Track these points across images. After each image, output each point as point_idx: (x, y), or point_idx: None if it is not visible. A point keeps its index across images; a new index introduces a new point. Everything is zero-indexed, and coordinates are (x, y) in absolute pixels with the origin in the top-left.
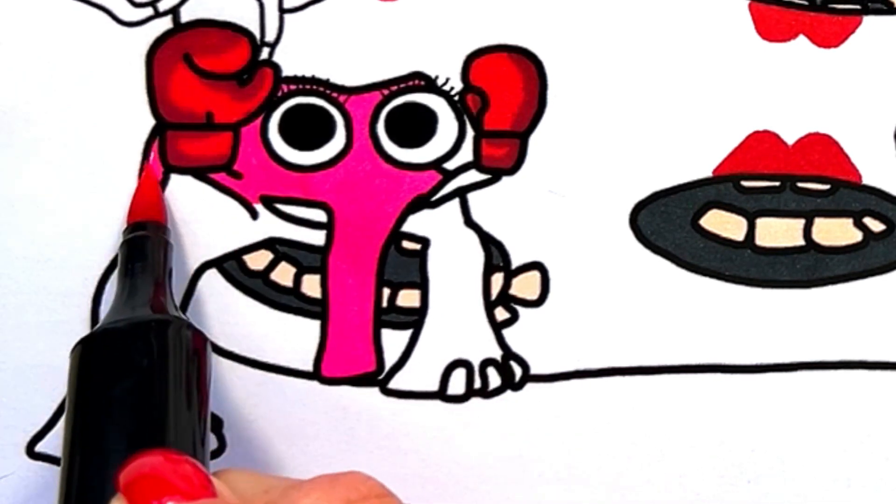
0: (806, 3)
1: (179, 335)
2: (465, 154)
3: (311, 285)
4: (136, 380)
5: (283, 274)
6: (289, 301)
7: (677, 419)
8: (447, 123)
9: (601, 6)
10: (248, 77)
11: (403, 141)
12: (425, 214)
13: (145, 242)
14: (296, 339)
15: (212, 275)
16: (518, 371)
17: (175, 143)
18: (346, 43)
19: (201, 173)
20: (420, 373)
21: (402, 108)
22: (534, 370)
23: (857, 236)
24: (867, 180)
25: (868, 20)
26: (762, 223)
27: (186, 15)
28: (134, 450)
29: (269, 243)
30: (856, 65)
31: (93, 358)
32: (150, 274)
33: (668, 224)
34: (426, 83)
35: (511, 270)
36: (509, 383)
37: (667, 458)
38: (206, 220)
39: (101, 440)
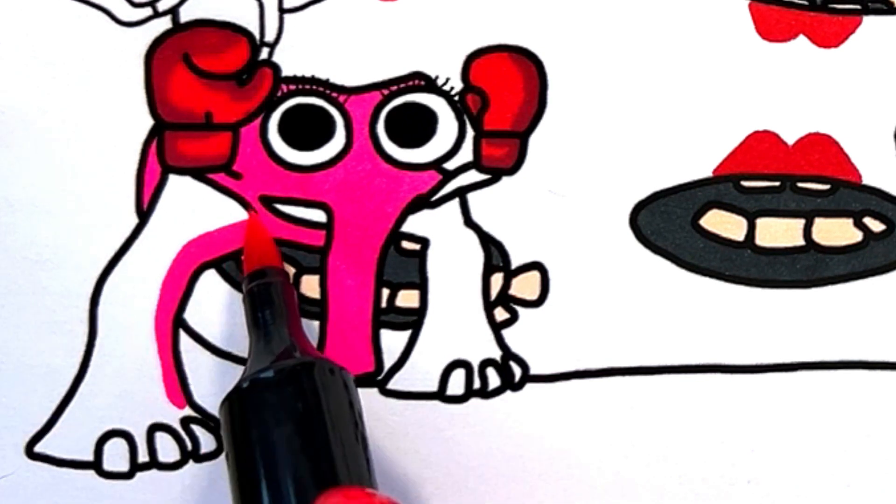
0: (806, 3)
1: (325, 374)
2: (465, 154)
3: (311, 285)
4: (293, 425)
5: None
6: None
7: (677, 419)
8: (447, 123)
9: (601, 6)
10: (248, 77)
11: (403, 141)
12: (425, 214)
13: (270, 289)
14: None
15: (211, 275)
16: (518, 371)
17: (174, 144)
18: (346, 43)
19: (200, 173)
20: (419, 373)
21: (402, 108)
22: (533, 370)
23: (857, 236)
24: (867, 180)
25: (868, 20)
26: (762, 223)
27: (185, 15)
28: (307, 491)
29: None
30: (856, 65)
31: (246, 409)
32: (280, 318)
33: (668, 224)
34: (426, 83)
35: (511, 270)
36: (509, 383)
37: (667, 458)
38: (205, 220)
39: (274, 487)
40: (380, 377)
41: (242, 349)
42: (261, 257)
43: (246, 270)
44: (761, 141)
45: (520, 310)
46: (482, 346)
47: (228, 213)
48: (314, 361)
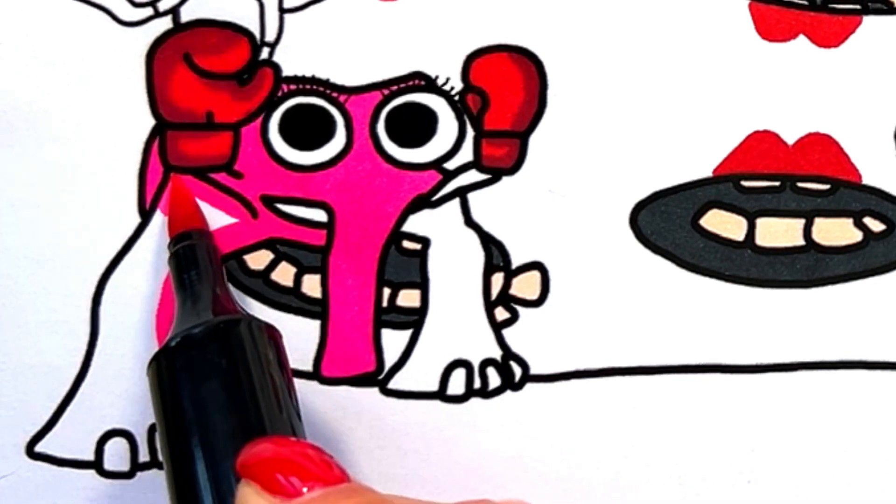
0: (806, 3)
1: (251, 331)
2: (466, 154)
3: (312, 285)
4: (221, 380)
5: (284, 274)
6: (289, 301)
7: (677, 419)
8: (447, 123)
9: (601, 6)
10: (249, 77)
11: (403, 141)
12: (425, 214)
13: (194, 251)
14: (296, 338)
15: None
16: (518, 371)
17: (175, 143)
18: (347, 43)
19: (202, 173)
20: (420, 373)
21: (403, 108)
22: (534, 370)
23: (857, 236)
24: (867, 180)
25: (868, 20)
26: (762, 223)
27: (186, 15)
28: (238, 445)
29: (270, 243)
30: (856, 65)
31: (175, 367)
32: (206, 280)
33: (668, 224)
34: (426, 83)
35: (511, 270)
36: (509, 383)
37: (667, 458)
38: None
39: (204, 441)
40: (381, 377)
41: None
42: (185, 219)
43: (171, 233)
44: (761, 141)
45: (520, 309)
46: (483, 346)
47: (229, 212)
48: (239, 318)
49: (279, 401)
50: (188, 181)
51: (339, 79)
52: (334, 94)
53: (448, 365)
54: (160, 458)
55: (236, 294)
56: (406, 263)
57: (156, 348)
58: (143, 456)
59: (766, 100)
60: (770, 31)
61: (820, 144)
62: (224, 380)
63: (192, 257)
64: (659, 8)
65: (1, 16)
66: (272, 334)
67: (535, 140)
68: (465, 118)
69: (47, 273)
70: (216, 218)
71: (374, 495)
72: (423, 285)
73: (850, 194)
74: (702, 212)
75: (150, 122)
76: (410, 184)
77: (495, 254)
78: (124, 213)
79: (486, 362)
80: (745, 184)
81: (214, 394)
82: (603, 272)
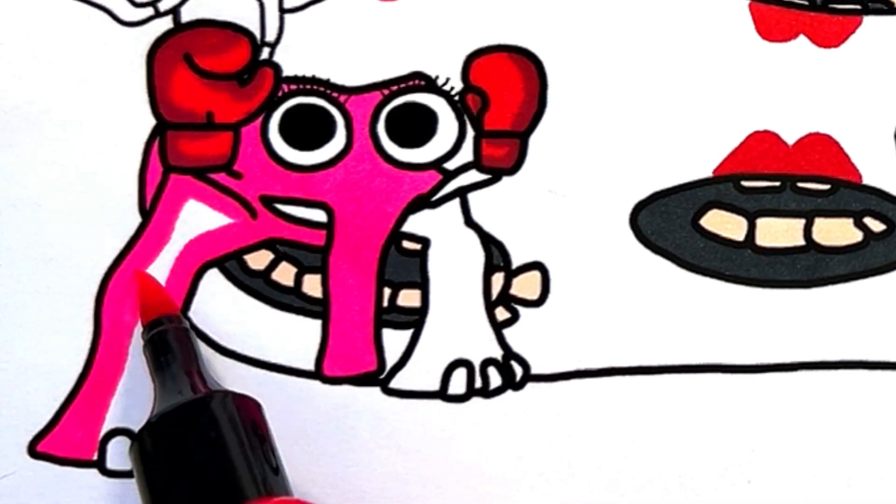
0: (806, 3)
1: (224, 405)
2: (466, 154)
3: (312, 285)
4: (200, 452)
5: (284, 273)
6: (290, 301)
7: (677, 419)
8: (447, 123)
9: (601, 6)
10: (249, 77)
11: (403, 141)
12: (425, 214)
13: (166, 336)
14: (297, 338)
15: (213, 274)
16: (519, 371)
17: (175, 143)
18: (346, 43)
19: (201, 173)
20: (421, 372)
21: (403, 108)
22: (534, 370)
23: (858, 236)
24: (867, 180)
25: (868, 20)
26: (762, 223)
27: (187, 15)
28: None
29: (270, 243)
30: (856, 65)
31: (154, 445)
32: (179, 363)
33: (668, 224)
34: (426, 83)
35: (511, 270)
36: (510, 383)
37: (667, 458)
38: (206, 219)
39: None
40: (382, 376)
41: (246, 347)
42: (155, 307)
43: (143, 322)
44: (761, 141)
45: (521, 309)
46: (483, 346)
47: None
48: (212, 394)
49: (259, 466)
50: (188, 181)
51: (339, 79)
52: (334, 94)
53: (449, 365)
54: None
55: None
56: (406, 263)
57: None
58: None
59: (766, 100)
60: (770, 31)
61: (820, 144)
62: (203, 451)
63: (165, 342)
64: (659, 8)
65: (1, 16)
66: (246, 405)
67: (535, 140)
68: (465, 118)
69: (49, 273)
70: (216, 218)
71: None
72: (423, 285)
73: (850, 194)
74: (702, 212)
75: (151, 122)
76: (410, 184)
77: (495, 254)
78: (124, 213)
79: (487, 362)
80: (746, 184)
81: (195, 465)
82: (603, 272)
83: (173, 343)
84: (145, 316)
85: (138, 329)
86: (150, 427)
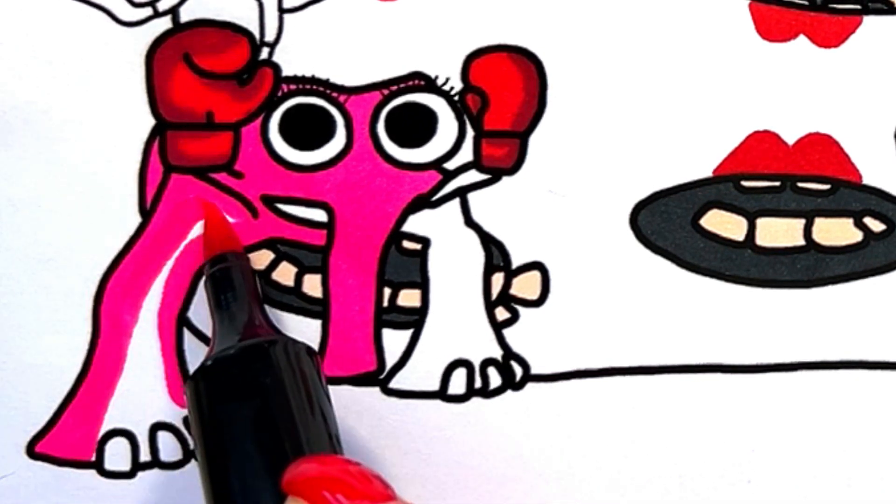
0: (806, 3)
1: (287, 351)
2: (465, 154)
3: (313, 285)
4: (258, 400)
5: (285, 273)
6: (290, 301)
7: (677, 419)
8: (447, 123)
9: (601, 6)
10: (248, 77)
11: (403, 141)
12: (425, 214)
13: (230, 273)
14: (297, 338)
15: None
16: (518, 371)
17: (175, 143)
18: (346, 43)
19: (202, 173)
20: (421, 372)
21: (402, 108)
22: (534, 370)
23: (858, 236)
24: (867, 180)
25: (868, 20)
26: (762, 223)
27: (186, 15)
28: (277, 463)
29: (270, 243)
30: (856, 65)
31: (211, 387)
32: (242, 301)
33: (668, 224)
34: (426, 83)
35: (511, 270)
36: (510, 383)
37: (667, 458)
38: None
39: (243, 460)
40: (382, 376)
41: None
42: (221, 242)
43: (206, 256)
44: (761, 141)
45: (521, 309)
46: (483, 346)
47: (230, 212)
48: (276, 339)
49: (317, 419)
50: (189, 181)
51: (339, 79)
52: (334, 94)
53: (449, 365)
54: (196, 459)
55: (274, 314)
56: (406, 263)
57: (158, 348)
58: (144, 455)
59: (766, 100)
60: (770, 31)
61: (820, 144)
62: (260, 400)
63: (229, 279)
64: (659, 8)
65: (1, 16)
66: (309, 354)
67: (535, 140)
68: (465, 118)
69: (48, 273)
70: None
71: None
72: (423, 285)
73: (850, 194)
74: (702, 212)
75: (150, 122)
76: (410, 184)
77: (495, 254)
78: (124, 213)
79: (487, 362)
80: (746, 184)
81: (251, 414)
82: (603, 272)
83: (237, 281)
84: (209, 250)
85: (138, 329)
86: (204, 371)
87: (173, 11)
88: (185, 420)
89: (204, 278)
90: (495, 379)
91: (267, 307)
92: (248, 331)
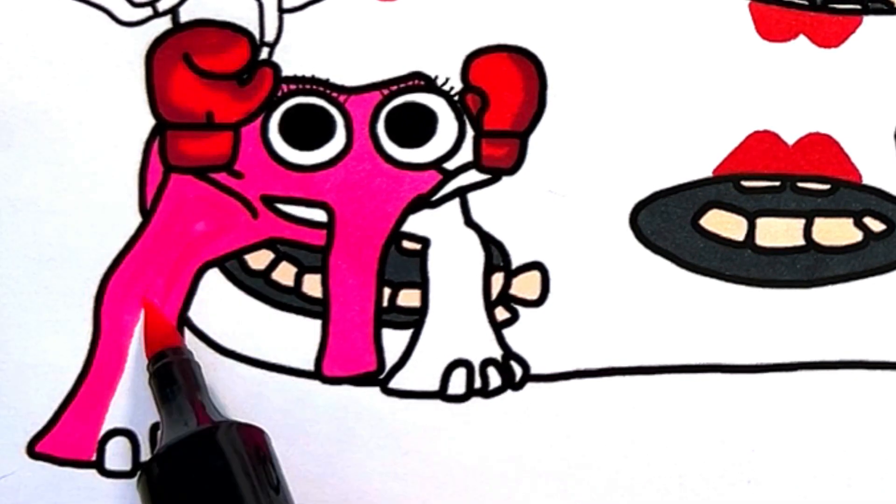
0: (806, 3)
1: (231, 435)
2: (465, 154)
3: (312, 285)
4: (206, 484)
5: (285, 273)
6: (290, 300)
7: (677, 419)
8: (447, 123)
9: (601, 6)
10: (248, 77)
11: (403, 141)
12: (425, 214)
13: (171, 368)
14: (297, 338)
15: (213, 274)
16: (518, 371)
17: (175, 143)
18: (346, 43)
19: (202, 173)
20: (421, 372)
21: (402, 108)
22: (534, 370)
23: (858, 236)
24: (867, 180)
25: (868, 20)
26: (762, 223)
27: (186, 15)
28: None
29: (270, 243)
30: (856, 65)
31: (162, 476)
32: (184, 393)
33: (668, 224)
34: (426, 83)
35: (511, 270)
36: (510, 383)
37: (667, 458)
38: (207, 219)
39: None
40: (382, 376)
41: (246, 347)
42: (161, 340)
43: (148, 354)
44: (761, 141)
45: (520, 309)
46: (483, 346)
47: (230, 212)
48: (219, 424)
49: (269, 496)
50: (189, 181)
51: (338, 79)
52: (334, 94)
53: (449, 365)
54: None
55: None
56: (406, 263)
57: None
58: (145, 455)
59: (766, 100)
60: (770, 31)
61: (820, 144)
62: (209, 484)
63: (170, 374)
64: (659, 8)
65: (1, 16)
66: (250, 433)
67: (534, 140)
68: (465, 118)
69: (48, 273)
70: (216, 218)
71: None
72: (423, 285)
73: (850, 194)
74: (702, 212)
75: (150, 122)
76: (410, 184)
77: (495, 254)
78: (124, 213)
79: (487, 362)
80: (745, 184)
81: (202, 496)
82: (603, 272)
83: (178, 375)
84: (150, 348)
85: (138, 329)
86: (157, 458)
87: (173, 11)
88: None
89: (148, 377)
90: (495, 379)
91: (267, 307)
92: (197, 420)
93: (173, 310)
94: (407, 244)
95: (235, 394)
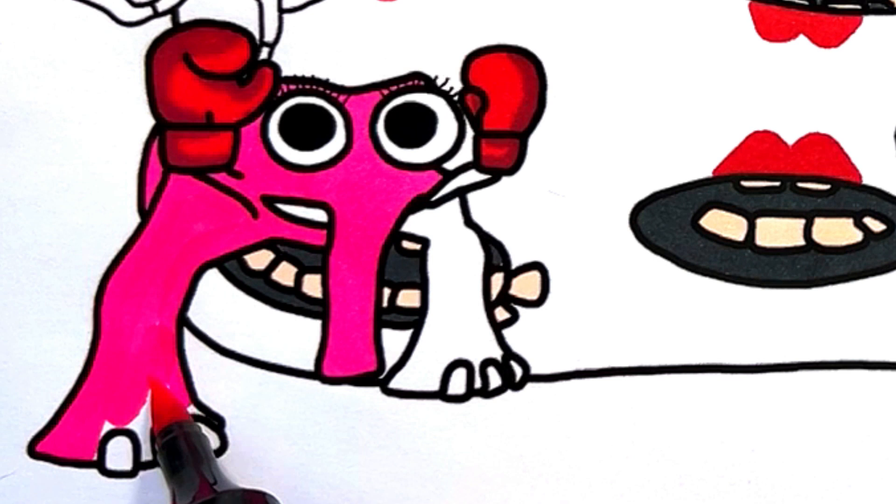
0: (806, 3)
1: (236, 501)
2: (465, 154)
3: (312, 285)
4: None
5: (285, 273)
6: (290, 301)
7: (677, 419)
8: (447, 123)
9: (601, 6)
10: (248, 77)
11: (403, 141)
12: (425, 214)
13: (177, 442)
14: (297, 338)
15: (213, 274)
16: (518, 371)
17: (175, 143)
18: (346, 43)
19: (202, 173)
20: (421, 373)
21: (402, 108)
22: (534, 370)
23: (857, 236)
24: (867, 180)
25: (868, 20)
26: (762, 223)
27: (185, 15)
28: None
29: (270, 243)
30: (856, 65)
31: None
32: (191, 465)
33: (668, 224)
34: (426, 83)
35: (511, 270)
36: (510, 383)
37: (667, 458)
38: (206, 219)
39: None
40: (382, 376)
41: (246, 347)
42: (167, 414)
43: (155, 429)
44: (761, 141)
45: (520, 309)
46: (483, 346)
47: (230, 212)
48: (226, 493)
49: None
50: (189, 181)
51: (338, 79)
52: (334, 94)
53: (449, 365)
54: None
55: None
56: (406, 263)
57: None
58: (146, 455)
59: (766, 100)
60: (770, 31)
61: (820, 144)
62: None
63: (177, 448)
64: (659, 8)
65: (1, 16)
66: (254, 500)
67: (534, 140)
68: (465, 118)
69: (48, 273)
70: (217, 218)
71: None
72: (423, 285)
73: (850, 194)
74: (702, 212)
75: (150, 122)
76: (410, 184)
77: (495, 254)
78: (124, 213)
79: (487, 362)
80: (745, 184)
81: None
82: (603, 272)
83: (183, 448)
84: (158, 423)
85: (138, 329)
86: None
87: (173, 11)
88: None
89: (157, 450)
90: (495, 379)
91: (267, 307)
92: (200, 491)
93: (173, 310)
94: (407, 244)
95: (235, 394)
